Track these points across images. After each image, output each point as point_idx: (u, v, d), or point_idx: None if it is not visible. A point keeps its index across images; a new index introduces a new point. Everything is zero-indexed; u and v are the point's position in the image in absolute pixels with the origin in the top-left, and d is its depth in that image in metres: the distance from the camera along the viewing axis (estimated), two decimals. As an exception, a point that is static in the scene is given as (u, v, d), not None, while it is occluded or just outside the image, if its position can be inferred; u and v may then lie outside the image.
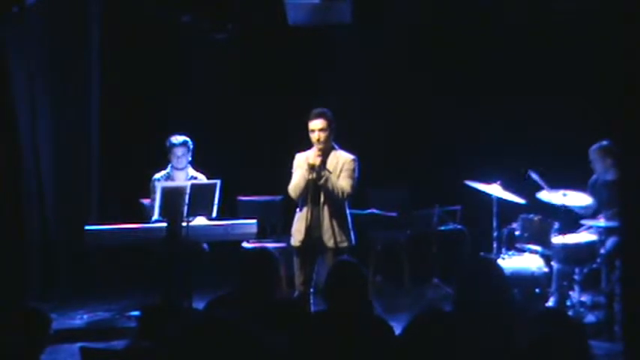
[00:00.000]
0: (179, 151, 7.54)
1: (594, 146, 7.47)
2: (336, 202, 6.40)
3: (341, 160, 6.47)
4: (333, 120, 6.49)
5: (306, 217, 6.34)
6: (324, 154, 6.42)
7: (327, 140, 6.45)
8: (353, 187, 6.45)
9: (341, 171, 6.43)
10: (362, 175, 6.62)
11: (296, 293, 6.49)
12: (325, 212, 6.39)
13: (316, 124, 6.43)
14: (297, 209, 6.57)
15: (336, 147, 6.55)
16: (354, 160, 6.51)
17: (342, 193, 6.38)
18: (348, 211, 6.56)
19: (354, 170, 6.47)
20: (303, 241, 6.36)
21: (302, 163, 6.48)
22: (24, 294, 7.71)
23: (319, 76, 9.17)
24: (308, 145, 6.53)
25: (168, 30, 9.08)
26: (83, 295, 8.42)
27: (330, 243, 6.38)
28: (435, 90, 9.29)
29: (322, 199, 6.37)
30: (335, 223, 6.39)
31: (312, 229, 6.34)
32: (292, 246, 6.58)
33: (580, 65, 8.46)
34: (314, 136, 6.43)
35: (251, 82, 9.51)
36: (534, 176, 7.39)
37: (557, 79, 8.76)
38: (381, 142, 9.31)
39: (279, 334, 3.90)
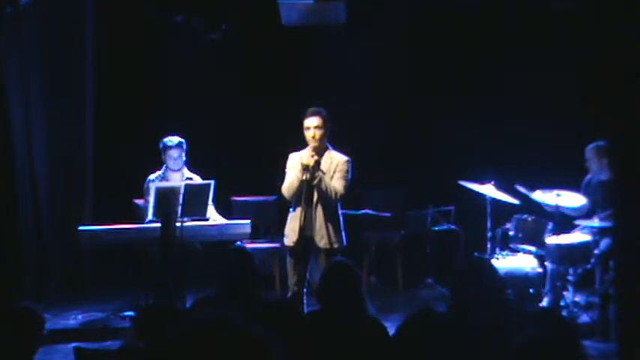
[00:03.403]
0: (174, 152, 7.43)
1: (591, 145, 7.49)
2: (329, 202, 6.39)
3: (335, 161, 6.47)
4: (329, 119, 6.49)
5: (300, 217, 6.34)
6: (319, 154, 6.41)
7: (322, 139, 6.44)
8: (346, 188, 6.44)
9: (334, 172, 6.43)
10: (356, 176, 6.61)
11: (289, 293, 6.49)
12: (318, 213, 6.37)
13: (312, 122, 6.42)
14: (290, 209, 6.56)
15: (330, 147, 6.55)
16: (347, 161, 6.50)
17: (335, 194, 6.37)
18: (340, 212, 6.56)
19: (347, 171, 6.47)
20: (297, 242, 6.35)
21: (296, 162, 6.47)
22: (18, 294, 7.69)
23: (313, 77, 9.15)
24: (303, 145, 6.53)
25: (163, 30, 9.06)
26: (77, 295, 8.41)
27: (322, 243, 6.37)
28: (429, 91, 9.29)
29: (315, 199, 6.36)
30: (328, 224, 6.38)
31: (305, 229, 6.34)
32: (286, 246, 6.59)
33: (578, 65, 8.46)
34: (309, 134, 6.42)
35: (245, 83, 9.49)
36: (522, 190, 7.45)
37: (555, 80, 8.76)
38: (375, 142, 9.29)
39: (272, 334, 3.89)
